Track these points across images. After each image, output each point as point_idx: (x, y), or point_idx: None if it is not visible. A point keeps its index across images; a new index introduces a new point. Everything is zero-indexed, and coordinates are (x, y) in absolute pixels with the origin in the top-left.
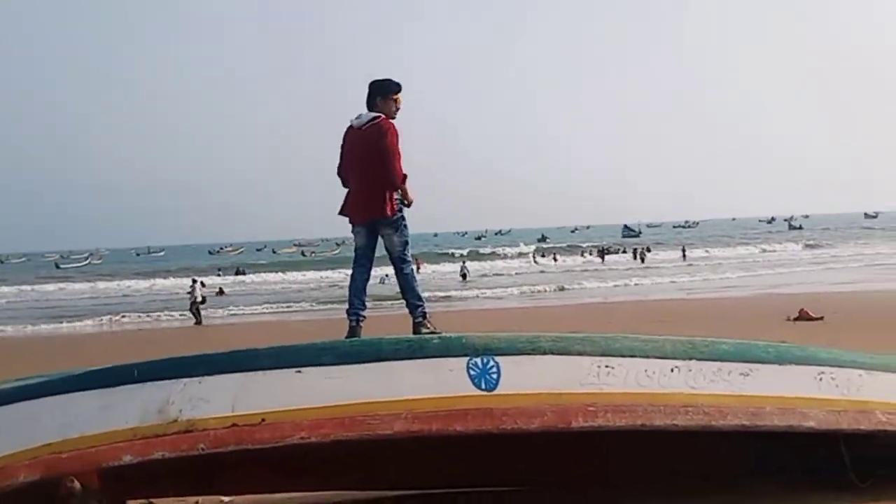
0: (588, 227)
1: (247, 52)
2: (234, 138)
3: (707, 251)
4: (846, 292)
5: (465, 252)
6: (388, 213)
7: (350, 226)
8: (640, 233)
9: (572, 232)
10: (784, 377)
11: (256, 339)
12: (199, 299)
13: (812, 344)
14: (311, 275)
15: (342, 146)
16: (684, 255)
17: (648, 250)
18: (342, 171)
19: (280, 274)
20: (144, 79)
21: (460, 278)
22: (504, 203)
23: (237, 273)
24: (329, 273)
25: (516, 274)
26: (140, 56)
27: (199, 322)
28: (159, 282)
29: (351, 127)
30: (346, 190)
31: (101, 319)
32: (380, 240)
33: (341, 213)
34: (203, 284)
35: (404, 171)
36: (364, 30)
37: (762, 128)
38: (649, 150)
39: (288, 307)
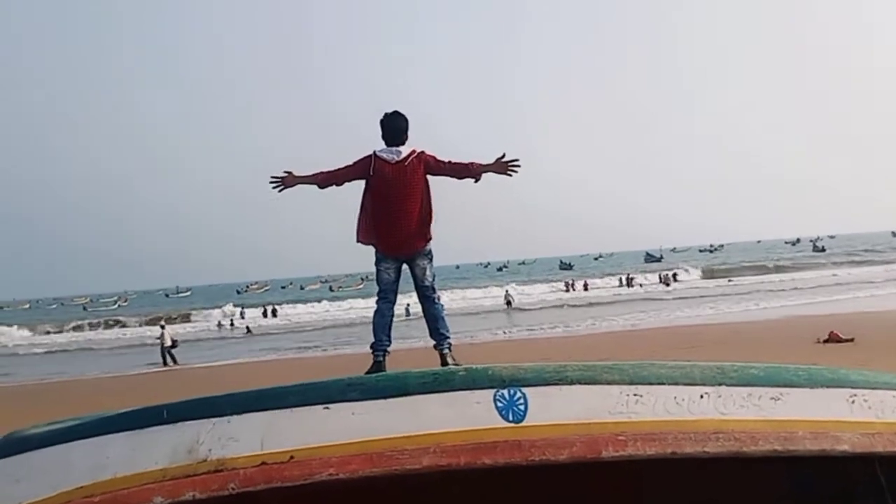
0: (612, 255)
1: (261, 87)
2: (253, 174)
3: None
4: (876, 313)
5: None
6: (431, 237)
7: (378, 261)
8: (662, 258)
9: (596, 259)
10: (816, 400)
11: (229, 381)
12: (169, 343)
13: (843, 366)
14: (340, 314)
15: (371, 179)
16: (731, 281)
17: (675, 278)
18: (380, 212)
19: (311, 314)
20: (167, 120)
21: (505, 305)
22: (526, 233)
23: (265, 314)
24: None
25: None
26: (162, 97)
27: (166, 363)
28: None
29: (383, 161)
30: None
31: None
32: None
33: (378, 246)
34: (224, 324)
35: None
36: (375, 64)
37: (784, 151)
38: (671, 175)
39: (316, 344)
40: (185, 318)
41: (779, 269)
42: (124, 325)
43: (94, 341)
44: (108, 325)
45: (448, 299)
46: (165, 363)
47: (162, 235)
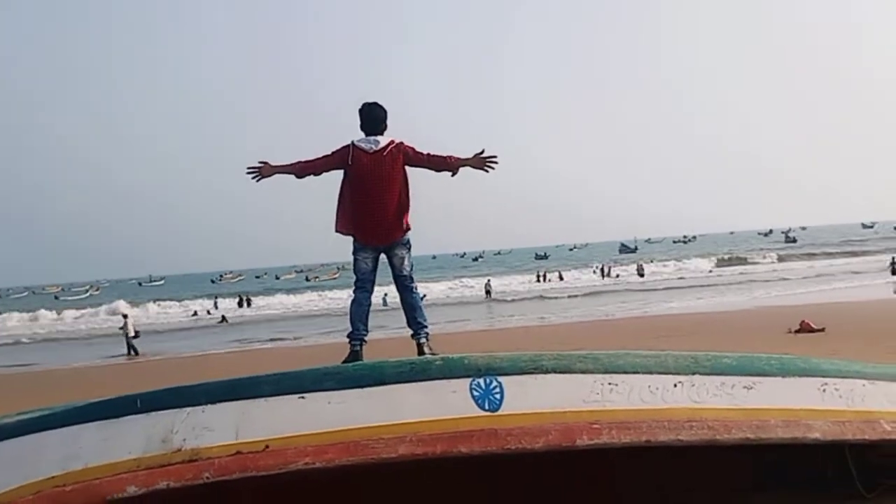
0: (586, 245)
1: (241, 77)
2: (229, 164)
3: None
4: (847, 303)
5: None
6: (407, 227)
7: (356, 250)
8: (637, 249)
9: (571, 250)
10: (788, 389)
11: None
12: (132, 333)
13: (814, 355)
14: (316, 304)
15: (349, 168)
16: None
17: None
18: (358, 202)
19: (287, 303)
20: (143, 107)
21: (485, 294)
22: (501, 223)
23: (240, 304)
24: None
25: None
26: (138, 86)
27: (137, 353)
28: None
29: (362, 151)
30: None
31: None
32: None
33: (355, 235)
34: (199, 313)
35: None
36: (356, 52)
37: (758, 143)
38: (645, 166)
39: (292, 334)
40: (151, 308)
41: (777, 261)
42: (95, 314)
43: (65, 331)
44: (78, 314)
45: (425, 289)
46: (136, 353)
47: (135, 224)
